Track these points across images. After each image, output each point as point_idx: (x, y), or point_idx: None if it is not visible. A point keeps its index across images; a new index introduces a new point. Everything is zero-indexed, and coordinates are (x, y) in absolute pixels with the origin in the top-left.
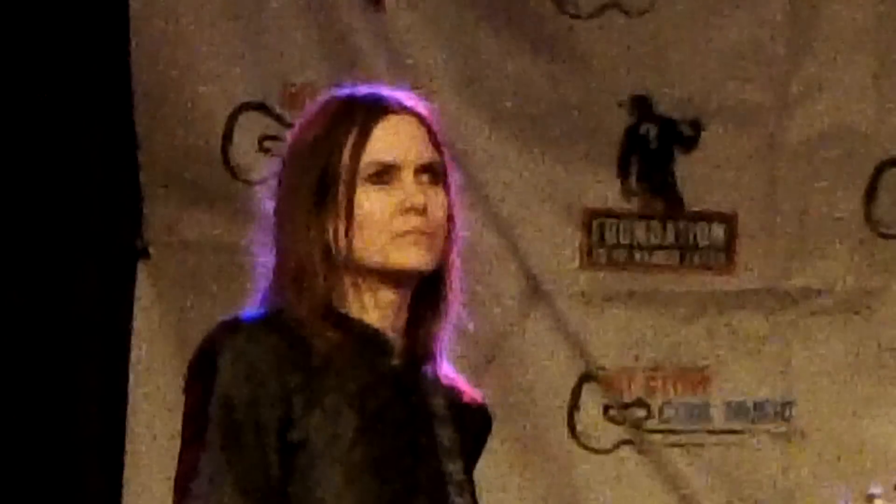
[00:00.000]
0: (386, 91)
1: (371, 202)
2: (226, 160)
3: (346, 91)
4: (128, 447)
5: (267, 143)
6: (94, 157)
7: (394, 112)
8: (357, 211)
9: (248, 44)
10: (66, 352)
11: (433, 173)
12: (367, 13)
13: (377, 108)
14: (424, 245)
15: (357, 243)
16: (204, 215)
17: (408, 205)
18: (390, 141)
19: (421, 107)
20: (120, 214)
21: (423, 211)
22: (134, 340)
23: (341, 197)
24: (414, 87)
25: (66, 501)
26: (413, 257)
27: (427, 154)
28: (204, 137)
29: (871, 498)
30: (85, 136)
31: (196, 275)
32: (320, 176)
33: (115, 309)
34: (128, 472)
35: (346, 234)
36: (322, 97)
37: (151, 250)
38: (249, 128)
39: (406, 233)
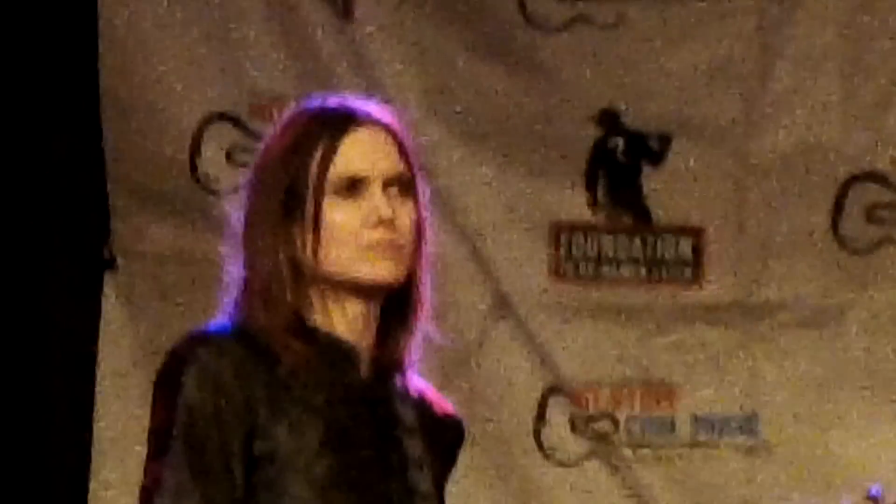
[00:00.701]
0: (355, 103)
1: (338, 215)
2: (194, 171)
3: (315, 103)
4: (94, 457)
5: (235, 155)
6: (61, 168)
7: (363, 124)
8: (324, 224)
9: (216, 55)
10: (33, 362)
11: (402, 186)
12: (336, 25)
13: (346, 120)
14: (392, 258)
15: (324, 256)
16: (171, 226)
17: (375, 217)
18: (359, 153)
19: (390, 118)
20: (87, 225)
21: (391, 224)
22: (100, 351)
23: (308, 209)
24: (382, 100)
25: None
26: (381, 271)
27: (396, 166)
28: (172, 148)
29: None
30: (52, 146)
31: (163, 286)
32: (288, 188)
33: (82, 319)
34: (93, 484)
35: (314, 247)
36: (292, 109)
37: (118, 261)
38: (218, 139)
39: (373, 245)
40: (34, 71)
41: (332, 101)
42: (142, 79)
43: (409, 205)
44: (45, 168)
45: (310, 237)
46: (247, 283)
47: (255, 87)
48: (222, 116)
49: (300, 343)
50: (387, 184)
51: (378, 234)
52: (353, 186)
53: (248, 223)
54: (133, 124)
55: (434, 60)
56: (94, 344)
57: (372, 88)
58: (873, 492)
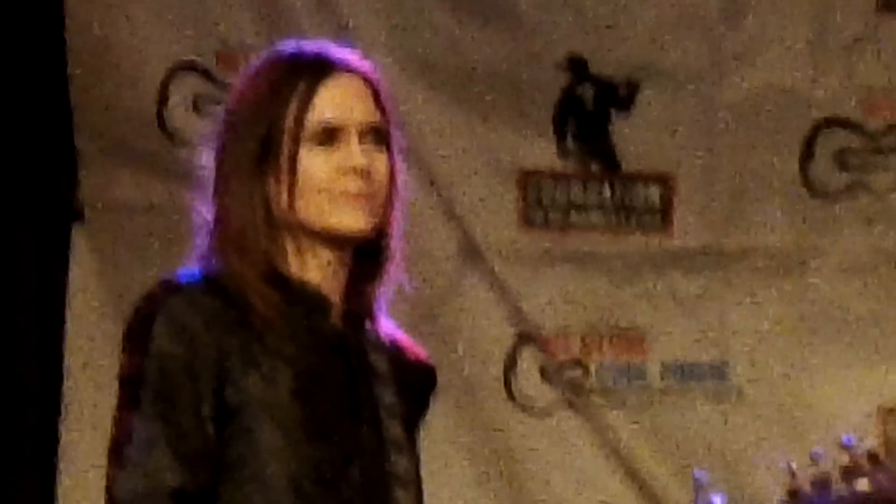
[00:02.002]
0: (332, 50)
1: (314, 163)
2: (161, 122)
3: (291, 48)
4: (64, 409)
5: (203, 105)
6: (28, 120)
7: (340, 72)
8: (300, 172)
9: (183, 5)
10: (1, 314)
11: (377, 135)
12: None
13: (323, 68)
14: (365, 208)
15: (299, 204)
16: (139, 177)
17: (349, 166)
18: (336, 101)
19: (367, 67)
20: (55, 177)
21: (366, 173)
22: (69, 302)
23: (285, 157)
24: (350, 47)
25: None
26: (354, 221)
27: (372, 115)
28: (139, 99)
29: (814, 458)
30: (19, 99)
31: (131, 236)
32: (264, 136)
33: (51, 271)
34: (64, 436)
35: (289, 195)
36: (265, 53)
37: (87, 212)
38: (185, 89)
39: (348, 195)
40: (0, 24)
41: (308, 46)
42: (108, 29)
43: (384, 155)
44: (12, 120)
45: (285, 185)
46: (219, 231)
47: (223, 37)
48: (189, 66)
49: (274, 291)
50: (363, 133)
51: (353, 183)
52: (329, 134)
53: (221, 170)
54: (100, 75)
55: (400, 9)
56: (63, 294)
57: (339, 35)
58: (846, 441)
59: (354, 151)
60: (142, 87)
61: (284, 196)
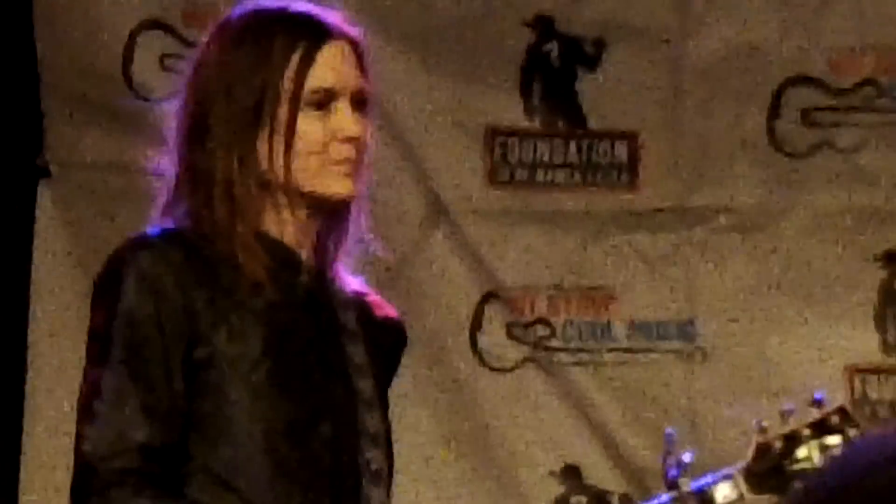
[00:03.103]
0: (324, 13)
1: (309, 127)
2: (127, 79)
3: (277, 6)
4: (30, 363)
5: (168, 62)
6: None
7: (336, 37)
8: (296, 135)
9: None
10: None
11: (362, 102)
12: None
13: (320, 32)
14: (353, 174)
15: (292, 166)
16: (106, 134)
17: (344, 135)
18: (333, 67)
19: (355, 32)
20: (21, 134)
21: (357, 140)
22: (35, 258)
23: (281, 120)
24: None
25: None
26: (341, 186)
27: (361, 82)
28: (105, 57)
29: (784, 414)
30: None
31: (97, 194)
32: (259, 97)
33: (16, 227)
34: (29, 393)
35: (285, 157)
36: (242, 10)
37: (53, 169)
38: (151, 47)
39: (340, 161)
40: None
41: (296, 5)
42: None
43: (367, 119)
44: None
45: (280, 147)
46: (203, 188)
47: None
48: (155, 24)
49: (263, 254)
50: (353, 99)
51: (345, 150)
52: (323, 99)
53: (203, 125)
54: (66, 33)
55: None
56: (29, 251)
57: None
58: (818, 396)
59: (349, 119)
60: (108, 45)
61: (279, 158)
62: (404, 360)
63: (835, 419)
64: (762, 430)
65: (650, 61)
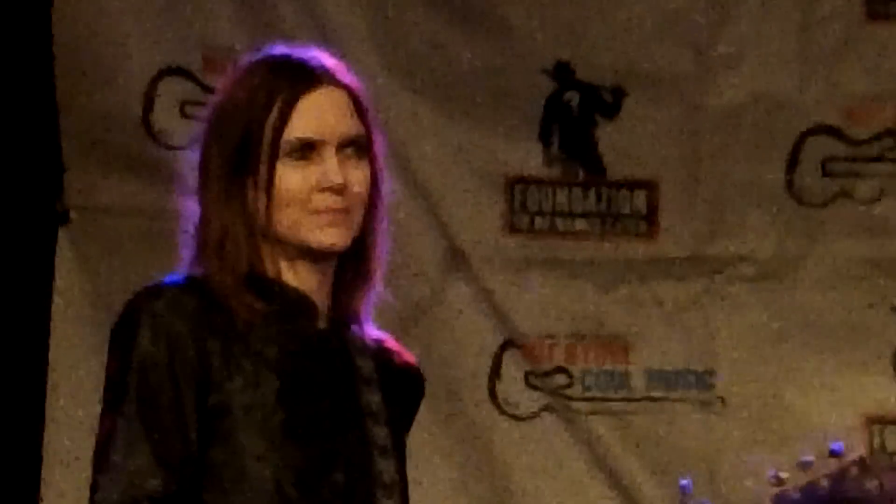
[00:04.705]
0: (314, 59)
1: (290, 178)
2: (147, 125)
3: (275, 52)
4: (48, 413)
5: (188, 109)
6: (13, 122)
7: (321, 83)
8: (276, 186)
9: (169, 8)
10: None
11: (357, 146)
12: None
13: (304, 79)
14: (340, 224)
15: (276, 217)
16: (125, 180)
17: (325, 184)
18: (314, 117)
19: (349, 77)
20: (41, 179)
21: (341, 189)
22: (54, 305)
23: (262, 171)
24: (334, 53)
25: None
26: (328, 237)
27: (352, 128)
28: (125, 102)
29: (803, 466)
30: (5, 102)
31: (116, 240)
32: (239, 145)
33: (36, 273)
34: (48, 439)
35: (266, 208)
36: (248, 58)
37: (72, 215)
38: (171, 93)
39: (322, 211)
40: None
41: (293, 53)
42: (95, 32)
43: (364, 165)
44: None
45: (262, 198)
46: (202, 234)
47: (208, 40)
48: (175, 70)
49: (254, 297)
50: (341, 146)
51: (328, 199)
52: (306, 149)
53: (202, 175)
54: (86, 78)
55: (386, 12)
56: (48, 297)
57: (324, 40)
58: (835, 447)
59: (331, 168)
60: (128, 91)
61: (263, 209)
62: (422, 407)
63: (853, 471)
64: (779, 482)
65: (669, 110)
